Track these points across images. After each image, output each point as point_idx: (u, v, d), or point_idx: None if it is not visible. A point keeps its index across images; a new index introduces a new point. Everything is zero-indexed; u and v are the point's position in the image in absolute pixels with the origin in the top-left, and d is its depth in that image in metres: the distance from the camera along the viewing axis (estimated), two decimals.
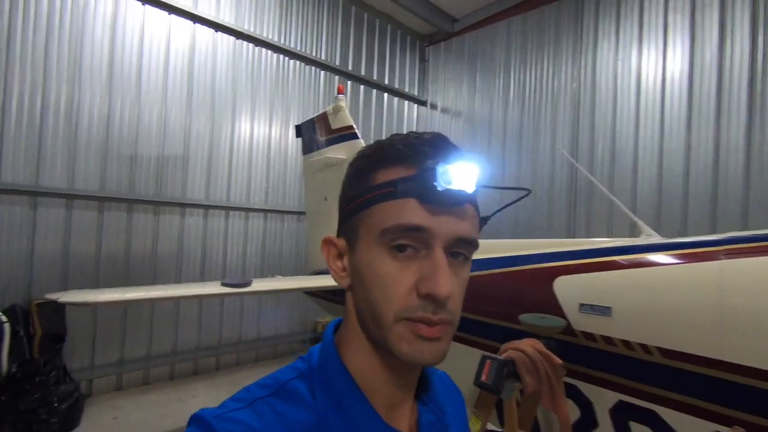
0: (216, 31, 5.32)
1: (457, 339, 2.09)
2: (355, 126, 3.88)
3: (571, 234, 5.80)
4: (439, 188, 0.52)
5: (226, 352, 5.44)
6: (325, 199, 4.08)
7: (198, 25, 5.16)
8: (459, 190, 0.53)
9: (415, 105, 7.90)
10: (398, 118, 7.59)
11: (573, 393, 1.87)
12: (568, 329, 1.88)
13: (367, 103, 7.06)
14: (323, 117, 4.12)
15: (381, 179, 0.56)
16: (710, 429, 1.48)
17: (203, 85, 5.24)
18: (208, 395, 4.54)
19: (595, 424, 1.82)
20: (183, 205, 5.06)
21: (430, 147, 0.55)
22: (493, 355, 1.60)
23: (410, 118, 7.83)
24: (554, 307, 1.95)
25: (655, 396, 1.63)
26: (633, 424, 1.70)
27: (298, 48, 6.12)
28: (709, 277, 1.60)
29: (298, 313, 6.16)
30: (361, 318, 0.58)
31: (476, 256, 1.76)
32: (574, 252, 2.08)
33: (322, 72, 6.43)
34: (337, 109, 3.95)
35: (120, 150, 4.62)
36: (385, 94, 7.34)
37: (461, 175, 0.53)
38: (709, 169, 4.86)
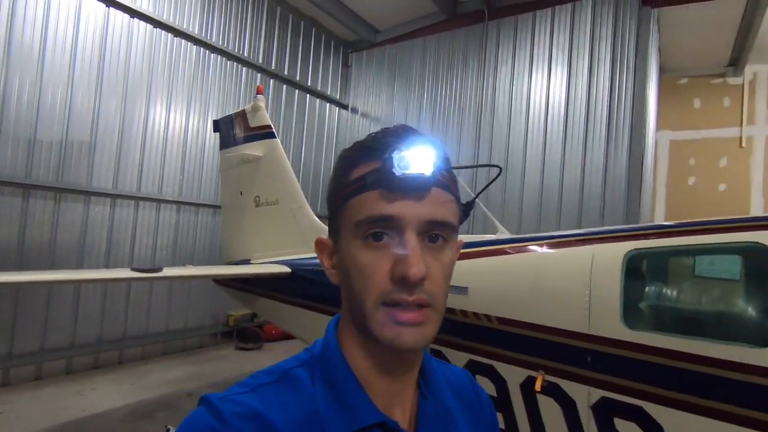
0: (132, 17, 5.21)
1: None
2: (272, 126, 4.12)
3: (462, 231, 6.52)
4: (397, 174, 0.53)
5: (131, 345, 5.32)
6: (241, 193, 4.25)
7: (112, 9, 5.02)
8: (418, 174, 0.54)
9: (337, 108, 8.24)
10: (320, 120, 7.88)
11: (436, 355, 2.33)
12: None
13: (289, 103, 7.25)
14: (242, 114, 4.29)
15: (354, 175, 0.58)
16: (525, 374, 2.02)
17: (115, 69, 5.09)
18: (111, 388, 4.46)
19: None
20: (88, 194, 4.88)
21: (393, 138, 0.57)
22: None
23: (331, 121, 8.15)
24: None
25: (492, 353, 2.15)
26: (478, 377, 2.20)
27: (220, 43, 6.16)
28: (531, 264, 2.16)
29: (209, 306, 6.16)
30: (350, 310, 0.59)
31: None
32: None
33: (244, 68, 6.52)
34: (256, 108, 4.15)
35: (16, 131, 4.37)
36: (308, 96, 7.59)
37: (417, 159, 0.54)
38: (577, 184, 5.83)
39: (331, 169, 0.65)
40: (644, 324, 1.85)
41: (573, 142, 5.94)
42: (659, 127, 7.95)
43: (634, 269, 1.85)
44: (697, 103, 7.73)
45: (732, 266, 1.84)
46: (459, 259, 2.19)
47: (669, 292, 2.01)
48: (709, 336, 1.61)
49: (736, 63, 7.25)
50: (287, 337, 6.62)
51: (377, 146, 0.57)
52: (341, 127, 8.29)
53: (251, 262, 3.96)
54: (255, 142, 4.14)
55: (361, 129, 8.05)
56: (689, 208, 7.44)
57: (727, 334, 1.61)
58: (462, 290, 2.28)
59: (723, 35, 6.66)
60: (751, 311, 1.66)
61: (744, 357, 1.43)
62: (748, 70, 7.29)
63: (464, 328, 2.26)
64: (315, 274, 3.24)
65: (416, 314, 0.54)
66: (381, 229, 0.55)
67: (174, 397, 4.32)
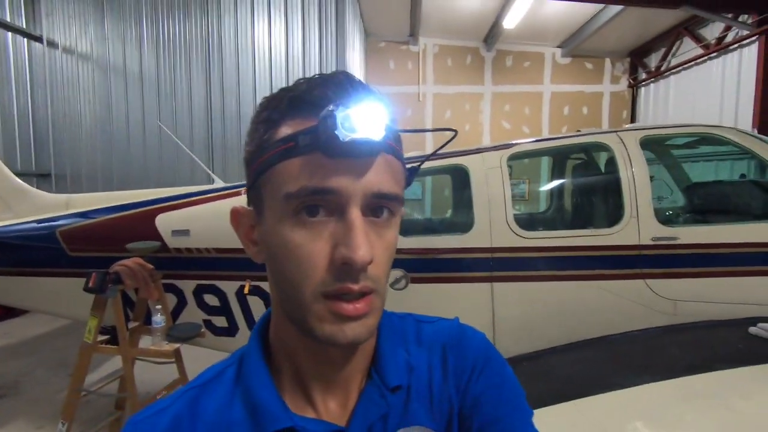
0: None
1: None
2: None
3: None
4: (341, 138, 0.42)
5: None
6: None
7: None
8: (365, 139, 0.43)
9: (25, 39, 6.71)
10: (1, 55, 6.31)
11: (171, 287, 2.85)
12: (165, 248, 2.81)
13: None
14: None
15: (281, 134, 0.46)
16: (237, 285, 2.78)
17: None
18: None
19: (185, 303, 2.88)
20: None
21: (332, 89, 0.46)
22: (100, 270, 2.35)
23: (19, 55, 6.62)
24: (156, 235, 2.83)
25: (213, 275, 2.81)
26: (206, 296, 2.85)
27: None
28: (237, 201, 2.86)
29: None
30: (278, 295, 0.50)
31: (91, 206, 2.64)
32: (168, 197, 3.00)
33: None
34: None
35: None
36: None
37: (366, 120, 0.43)
38: None
39: (248, 122, 0.51)
40: None
41: None
42: (367, 82, 9.75)
43: None
44: (391, 64, 9.80)
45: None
46: (189, 205, 2.71)
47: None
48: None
49: (413, 34, 9.48)
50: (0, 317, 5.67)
51: (312, 99, 0.46)
52: (35, 64, 6.84)
53: None
54: None
55: (67, 67, 6.87)
56: None
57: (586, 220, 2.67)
58: (185, 233, 2.81)
59: (403, 12, 8.58)
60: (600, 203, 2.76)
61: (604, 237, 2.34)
62: (421, 41, 9.66)
63: (190, 262, 2.83)
64: (22, 240, 3.13)
65: (361, 305, 0.45)
66: (317, 203, 0.45)
67: None
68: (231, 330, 2.86)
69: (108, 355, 2.82)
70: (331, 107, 0.43)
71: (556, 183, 3.06)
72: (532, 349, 2.42)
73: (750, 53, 6.50)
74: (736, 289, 2.31)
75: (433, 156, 2.57)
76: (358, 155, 0.44)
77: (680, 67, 8.15)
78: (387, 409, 0.52)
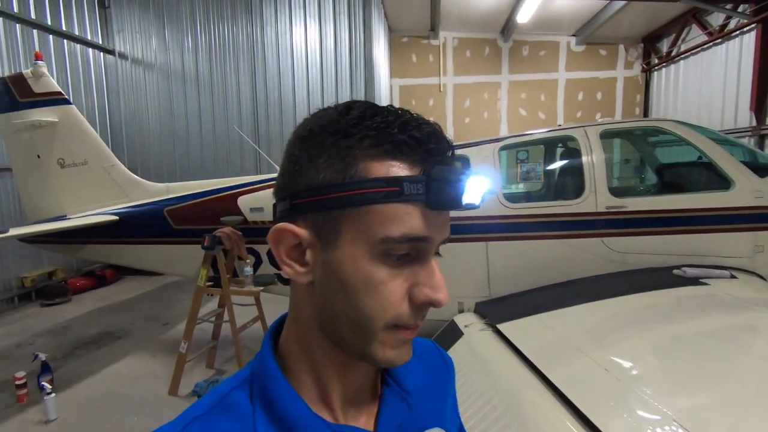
0: None
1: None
2: (63, 92, 4.48)
3: (257, 170, 7.91)
4: (461, 203, 0.46)
5: None
6: (38, 156, 4.54)
7: None
8: (471, 204, 0.47)
9: (101, 53, 7.90)
10: (84, 68, 7.51)
11: (251, 250, 3.87)
12: (245, 221, 3.83)
13: (43, 51, 6.72)
14: (20, 79, 4.43)
15: (380, 173, 0.46)
16: None
17: None
18: None
19: (261, 261, 3.91)
20: None
21: (436, 144, 0.47)
22: (211, 234, 3.38)
23: (98, 68, 7.82)
24: (239, 212, 3.84)
25: None
26: None
27: None
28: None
29: None
30: (328, 320, 0.50)
31: (193, 190, 4.01)
32: (245, 183, 4.01)
33: None
34: (38, 75, 4.39)
35: None
36: (64, 41, 7.10)
37: (475, 190, 0.47)
38: None
39: (307, 140, 0.49)
40: None
41: (328, 87, 7.76)
42: (392, 75, 10.58)
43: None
44: (414, 58, 10.55)
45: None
46: (261, 189, 3.88)
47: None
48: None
49: (434, 29, 10.19)
50: (95, 286, 6.98)
51: (415, 146, 0.46)
52: (109, 74, 8.04)
53: (68, 217, 4.51)
54: (44, 108, 4.43)
55: (136, 76, 8.04)
56: None
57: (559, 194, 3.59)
58: (260, 209, 3.81)
59: (423, 8, 9.30)
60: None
61: (571, 207, 3.27)
62: (441, 35, 10.36)
63: (264, 231, 3.83)
64: (140, 218, 4.23)
65: (414, 330, 0.50)
66: (410, 249, 0.47)
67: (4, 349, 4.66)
68: None
69: (213, 295, 3.89)
70: (442, 167, 0.46)
71: (541, 166, 3.88)
72: (517, 290, 3.30)
73: (749, 40, 6.95)
74: (667, 244, 3.11)
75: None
76: (452, 210, 0.47)
77: (689, 53, 8.57)
78: (408, 411, 0.57)
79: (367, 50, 7.69)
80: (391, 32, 10.39)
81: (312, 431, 0.50)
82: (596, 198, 3.18)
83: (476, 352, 2.64)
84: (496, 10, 9.12)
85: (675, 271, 2.96)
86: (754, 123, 6.83)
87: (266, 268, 3.93)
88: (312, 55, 7.71)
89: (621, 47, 10.23)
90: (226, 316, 3.62)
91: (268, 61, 7.80)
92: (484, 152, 3.41)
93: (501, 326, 2.69)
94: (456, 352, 2.75)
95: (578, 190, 3.26)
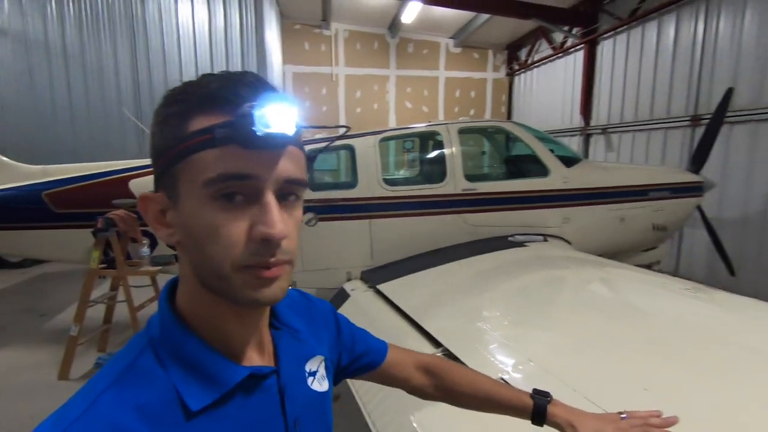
0: None
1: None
2: None
3: (142, 153, 7.53)
4: (258, 133, 0.49)
5: None
6: None
7: None
8: (278, 133, 0.51)
9: None
10: None
11: (145, 232, 3.94)
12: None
13: None
14: None
15: (196, 126, 0.52)
16: None
17: None
18: None
19: (157, 243, 4.00)
20: None
21: (246, 88, 0.52)
22: (104, 217, 3.42)
23: None
24: (131, 195, 3.87)
25: None
26: None
27: None
28: None
29: None
30: (199, 272, 0.55)
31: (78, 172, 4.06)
32: (137, 167, 4.04)
33: None
34: None
35: None
36: None
37: (280, 117, 0.51)
38: None
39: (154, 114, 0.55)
40: None
41: (217, 69, 7.65)
42: (285, 61, 10.67)
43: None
44: (306, 46, 10.76)
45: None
46: (148, 174, 4.03)
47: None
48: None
49: (326, 19, 10.50)
50: None
51: (226, 96, 0.52)
52: None
53: None
54: None
55: None
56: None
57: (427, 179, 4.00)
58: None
59: None
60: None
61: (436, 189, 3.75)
62: (333, 26, 10.72)
63: None
64: (12, 203, 3.98)
65: (275, 270, 0.53)
66: (236, 188, 0.51)
67: None
68: None
69: (105, 277, 3.87)
70: (248, 105, 0.50)
71: (413, 156, 4.61)
72: (396, 258, 3.96)
73: (580, 56, 8.63)
74: (506, 218, 4.03)
75: (328, 147, 3.99)
76: (270, 146, 0.51)
77: (540, 62, 10.23)
78: (299, 345, 0.68)
79: (259, 34, 7.76)
80: (283, 18, 10.45)
81: (229, 373, 0.55)
82: (455, 182, 3.96)
83: (362, 309, 3.22)
84: (384, 8, 9.78)
85: (510, 238, 3.88)
86: (583, 124, 8.56)
87: (163, 249, 4.03)
88: (200, 35, 7.53)
89: (490, 52, 11.70)
90: (119, 297, 3.68)
91: (150, 38, 7.41)
92: (367, 142, 3.98)
93: (380, 286, 3.31)
94: (345, 311, 3.30)
95: (441, 176, 4.01)
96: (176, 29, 7.45)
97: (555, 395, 0.86)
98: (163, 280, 4.13)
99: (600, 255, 4.28)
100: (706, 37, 5.84)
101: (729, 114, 5.07)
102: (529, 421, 0.84)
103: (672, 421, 0.80)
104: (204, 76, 0.55)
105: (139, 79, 7.47)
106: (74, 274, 5.90)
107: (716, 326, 1.99)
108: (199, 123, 0.52)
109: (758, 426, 1.27)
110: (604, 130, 7.99)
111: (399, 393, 0.94)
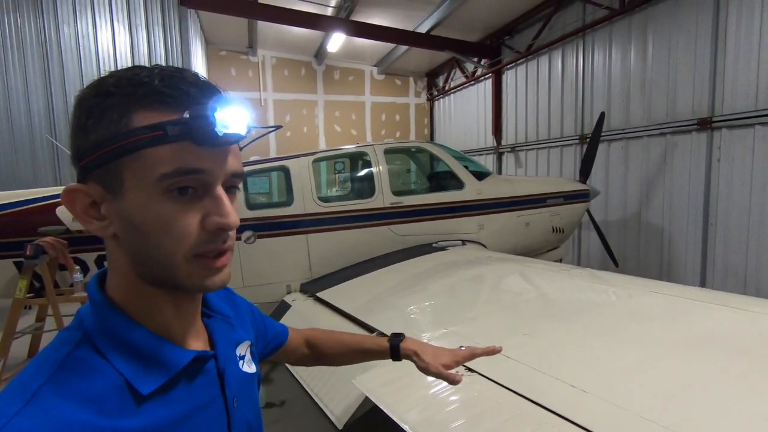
0: None
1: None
2: None
3: (58, 183, 7.15)
4: (219, 134, 0.53)
5: None
6: None
7: None
8: (236, 134, 0.56)
9: None
10: None
11: (76, 260, 3.87)
12: (69, 230, 3.82)
13: None
14: None
15: (144, 122, 0.53)
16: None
17: None
18: None
19: (89, 269, 3.94)
20: None
21: (194, 88, 0.55)
22: (33, 243, 3.36)
23: None
24: (59, 222, 3.81)
25: None
26: (105, 262, 3.96)
27: None
28: None
29: None
30: (141, 263, 0.56)
31: None
32: (58, 195, 3.97)
33: None
34: None
35: None
36: None
37: (236, 119, 0.55)
38: None
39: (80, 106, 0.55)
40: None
41: None
42: None
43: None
44: (233, 72, 10.86)
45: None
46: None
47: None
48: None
49: (252, 47, 10.72)
50: None
51: (174, 94, 0.54)
52: None
53: None
54: None
55: None
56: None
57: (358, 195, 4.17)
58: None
59: (240, 26, 9.76)
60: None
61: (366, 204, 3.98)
62: (260, 53, 10.96)
63: (89, 239, 3.89)
64: None
65: (224, 258, 0.58)
66: (189, 182, 0.54)
67: None
68: None
69: (31, 307, 3.72)
70: (204, 105, 0.53)
71: (345, 175, 5.01)
72: (333, 270, 4.26)
73: (489, 84, 9.69)
74: (430, 227, 4.53)
75: (265, 160, 4.24)
76: (223, 145, 0.56)
77: (456, 89, 11.25)
78: (231, 330, 0.73)
79: (185, 61, 7.80)
80: (209, 45, 10.50)
81: (175, 357, 0.58)
82: (383, 197, 4.39)
83: (303, 317, 3.47)
84: (309, 38, 10.23)
85: (434, 245, 4.37)
86: (495, 144, 9.55)
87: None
88: (122, 62, 7.40)
89: (411, 79, 12.60)
90: (47, 327, 3.57)
91: (66, 64, 7.15)
92: (301, 163, 4.29)
93: (320, 294, 3.59)
94: (287, 320, 3.53)
95: (371, 192, 4.42)
96: (95, 56, 7.27)
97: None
98: None
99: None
100: (585, 69, 6.98)
101: (605, 133, 6.10)
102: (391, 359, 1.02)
103: (495, 349, 1.00)
104: (139, 68, 0.56)
105: (53, 106, 7.13)
106: None
107: (591, 292, 2.58)
108: (146, 119, 0.53)
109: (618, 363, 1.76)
110: (513, 149, 8.99)
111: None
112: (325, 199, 4.40)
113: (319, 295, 3.59)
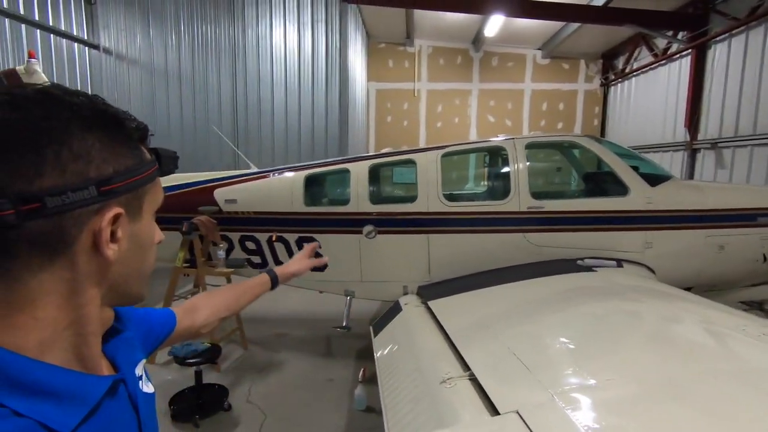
0: None
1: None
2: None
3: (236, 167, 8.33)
4: (175, 172, 0.69)
5: None
6: None
7: None
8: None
9: (86, 48, 8.19)
10: (69, 63, 7.80)
11: (224, 237, 4.35)
12: (220, 211, 4.31)
13: (30, 44, 7.02)
14: (12, 74, 4.79)
15: (146, 155, 0.60)
16: (267, 235, 4.25)
17: None
18: None
19: (233, 247, 4.39)
20: None
21: (143, 125, 0.61)
22: (188, 221, 3.85)
23: (83, 62, 8.11)
24: (215, 203, 4.32)
25: (253, 229, 4.29)
26: (247, 242, 4.34)
27: None
28: (268, 184, 4.33)
29: None
30: (120, 282, 0.59)
31: (176, 182, 4.49)
32: (221, 177, 4.49)
33: None
34: (30, 71, 4.76)
35: None
36: (51, 36, 7.40)
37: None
38: (309, 124, 8.26)
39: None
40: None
41: (304, 89, 8.24)
42: (369, 78, 11.11)
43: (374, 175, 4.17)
44: (390, 63, 11.11)
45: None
46: (235, 183, 4.43)
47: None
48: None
49: (409, 37, 10.76)
50: None
51: (140, 129, 0.59)
52: (94, 69, 8.33)
53: None
54: None
55: (120, 71, 8.36)
56: (387, 138, 11.08)
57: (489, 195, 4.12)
58: (233, 201, 4.30)
59: (399, 18, 9.86)
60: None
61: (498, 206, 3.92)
62: (417, 43, 10.93)
63: (237, 220, 4.32)
64: None
65: None
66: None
67: None
68: (263, 265, 4.36)
69: (188, 275, 4.36)
70: (159, 147, 0.64)
71: (477, 171, 4.49)
72: (454, 275, 3.87)
73: (686, 63, 7.73)
74: (575, 239, 3.73)
75: (394, 153, 4.02)
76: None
77: (639, 71, 9.36)
78: (131, 350, 0.71)
79: (343, 55, 8.20)
80: (369, 38, 10.92)
81: (96, 388, 0.55)
82: (519, 200, 3.78)
83: (408, 327, 3.17)
84: (466, 23, 9.75)
85: (578, 262, 3.58)
86: (688, 138, 7.62)
87: (237, 253, 4.41)
88: (290, 58, 8.17)
89: (582, 62, 11.00)
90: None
91: (248, 63, 8.23)
92: (429, 157, 3.98)
93: (431, 303, 3.25)
94: (395, 325, 3.30)
95: (505, 193, 3.85)
96: (270, 53, 8.19)
97: None
98: (235, 281, 4.50)
99: (692, 287, 3.77)
100: None
101: None
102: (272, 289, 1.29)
103: (323, 261, 1.44)
104: (104, 104, 0.57)
105: (236, 99, 8.31)
106: (158, 273, 6.69)
107: None
108: (143, 155, 0.60)
109: None
110: (714, 145, 7.02)
111: None
112: (452, 198, 4.00)
113: (430, 304, 3.25)
